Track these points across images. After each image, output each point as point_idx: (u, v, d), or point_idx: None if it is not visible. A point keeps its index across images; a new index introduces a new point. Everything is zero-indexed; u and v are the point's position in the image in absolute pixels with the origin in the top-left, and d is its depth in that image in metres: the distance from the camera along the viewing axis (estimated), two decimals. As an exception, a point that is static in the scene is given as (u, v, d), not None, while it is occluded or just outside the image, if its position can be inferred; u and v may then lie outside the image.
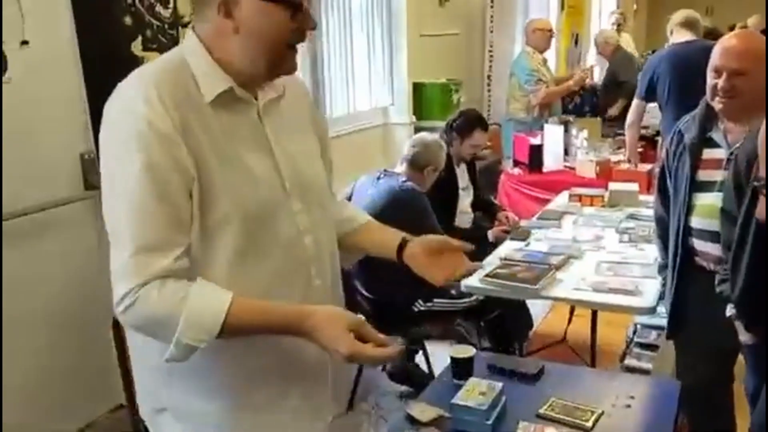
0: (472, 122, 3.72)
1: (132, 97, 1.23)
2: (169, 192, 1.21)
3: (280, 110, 1.41)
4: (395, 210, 3.06)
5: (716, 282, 2.11)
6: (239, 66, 1.31)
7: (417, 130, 4.87)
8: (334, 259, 1.52)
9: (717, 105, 2.14)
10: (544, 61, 5.63)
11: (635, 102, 4.33)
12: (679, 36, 4.21)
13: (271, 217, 1.34)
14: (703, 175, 2.19)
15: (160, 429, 1.43)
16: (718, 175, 2.16)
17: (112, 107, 1.26)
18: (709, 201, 2.17)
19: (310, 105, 1.57)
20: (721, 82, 2.10)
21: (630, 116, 4.39)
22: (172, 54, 1.35)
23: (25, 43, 2.45)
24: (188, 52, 1.31)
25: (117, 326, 1.96)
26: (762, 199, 1.67)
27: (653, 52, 9.58)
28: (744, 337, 2.04)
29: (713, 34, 4.55)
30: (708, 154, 2.20)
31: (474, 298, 3.00)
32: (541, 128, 5.08)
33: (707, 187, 2.18)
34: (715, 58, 2.14)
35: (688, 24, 4.21)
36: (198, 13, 1.33)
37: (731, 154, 2.13)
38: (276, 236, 1.35)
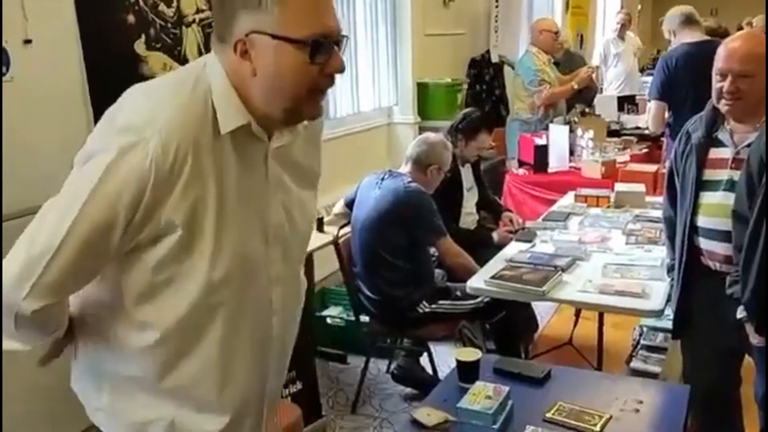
0: (476, 124, 3.69)
1: (144, 126, 1.18)
2: (101, 240, 1.22)
3: (289, 155, 1.37)
4: (400, 211, 3.04)
5: (727, 284, 2.10)
6: (257, 105, 1.25)
7: (421, 129, 4.86)
8: (298, 313, 1.52)
9: (723, 107, 2.14)
10: (549, 61, 5.60)
11: (654, 104, 4.10)
12: (686, 35, 4.03)
13: (246, 267, 1.31)
14: (709, 174, 2.19)
15: (99, 424, 1.46)
16: (724, 174, 2.16)
17: (122, 116, 1.21)
18: (715, 200, 2.17)
19: (319, 146, 1.51)
20: (726, 85, 2.10)
21: (653, 122, 4.17)
22: (196, 78, 1.26)
23: (27, 41, 2.44)
24: (213, 80, 1.25)
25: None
26: None
27: (658, 51, 9.63)
28: (755, 339, 2.03)
29: (722, 34, 4.48)
30: (714, 153, 2.20)
31: (479, 299, 2.98)
32: (546, 128, 5.06)
33: (713, 186, 2.18)
34: (718, 60, 2.15)
35: (691, 21, 4.05)
36: (218, 46, 1.26)
37: (737, 153, 2.13)
38: (245, 287, 1.33)
